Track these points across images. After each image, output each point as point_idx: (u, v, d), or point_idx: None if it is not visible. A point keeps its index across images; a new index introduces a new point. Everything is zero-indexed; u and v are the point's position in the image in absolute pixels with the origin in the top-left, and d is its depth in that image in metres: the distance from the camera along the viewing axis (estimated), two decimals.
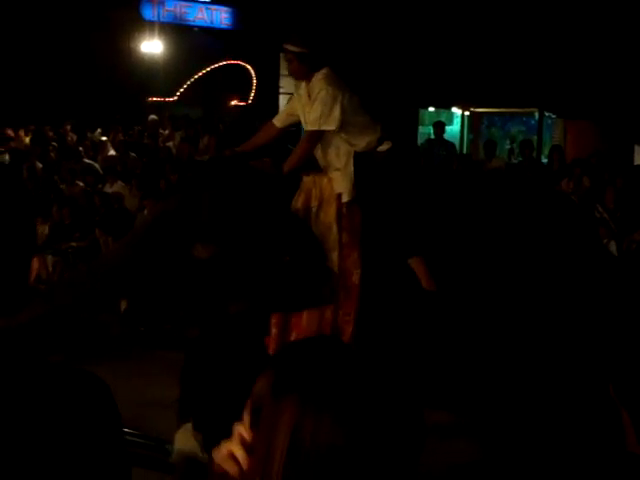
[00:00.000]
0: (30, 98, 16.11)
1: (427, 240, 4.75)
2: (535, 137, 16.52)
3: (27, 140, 14.14)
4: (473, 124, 18.28)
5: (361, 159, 4.87)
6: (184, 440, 2.78)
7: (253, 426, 1.28)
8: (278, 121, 5.21)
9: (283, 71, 15.73)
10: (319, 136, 4.85)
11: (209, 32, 19.20)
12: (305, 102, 4.96)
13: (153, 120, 15.50)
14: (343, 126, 4.82)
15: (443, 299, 4.57)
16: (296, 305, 4.63)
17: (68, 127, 15.07)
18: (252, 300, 4.43)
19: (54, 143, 14.00)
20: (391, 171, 5.00)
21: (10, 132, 14.38)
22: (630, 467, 1.35)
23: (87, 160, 13.02)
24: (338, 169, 4.82)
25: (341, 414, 1.23)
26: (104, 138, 14.11)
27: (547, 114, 16.81)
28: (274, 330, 4.69)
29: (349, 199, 4.78)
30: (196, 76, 18.25)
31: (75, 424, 1.42)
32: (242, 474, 1.28)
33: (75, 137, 14.76)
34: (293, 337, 4.66)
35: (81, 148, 13.76)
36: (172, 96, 18.22)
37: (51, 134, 14.65)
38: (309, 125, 4.87)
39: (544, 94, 15.61)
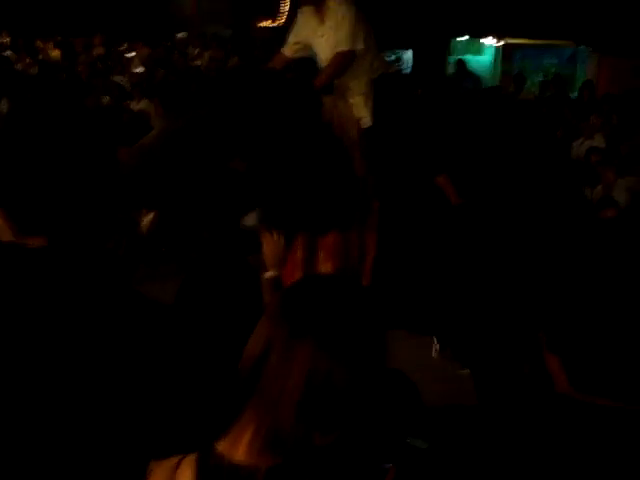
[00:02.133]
0: (59, 9, 16.01)
1: (450, 159, 4.80)
2: (568, 71, 16.27)
3: (55, 52, 14.09)
4: (505, 55, 17.99)
5: (380, 84, 4.86)
6: None
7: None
8: (287, 51, 5.14)
9: None
10: (351, 56, 4.81)
11: None
12: (315, 27, 4.89)
13: (182, 38, 15.38)
14: (366, 49, 4.80)
15: (468, 213, 4.65)
16: (322, 224, 4.65)
17: (97, 41, 14.99)
18: (283, 217, 4.41)
19: (82, 56, 13.95)
20: (407, 93, 5.00)
21: (39, 43, 14.35)
22: (561, 407, 1.38)
23: (116, 76, 12.96)
24: (359, 94, 4.80)
25: (353, 359, 1.31)
26: (133, 54, 14.02)
27: (582, 47, 16.49)
28: (299, 252, 4.71)
29: (370, 124, 4.77)
30: None
31: None
32: None
33: (103, 50, 14.68)
34: (321, 258, 4.69)
35: (110, 63, 13.69)
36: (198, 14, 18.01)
37: (80, 48, 14.59)
38: (340, 46, 4.78)
39: (579, 27, 15.28)
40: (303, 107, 4.53)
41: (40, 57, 13.85)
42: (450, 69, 16.82)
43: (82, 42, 14.87)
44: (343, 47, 4.77)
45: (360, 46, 4.76)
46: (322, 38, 4.86)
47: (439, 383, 5.27)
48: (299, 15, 5.10)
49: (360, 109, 4.78)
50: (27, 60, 13.31)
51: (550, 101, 11.67)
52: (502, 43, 17.71)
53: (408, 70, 19.06)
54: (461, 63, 13.53)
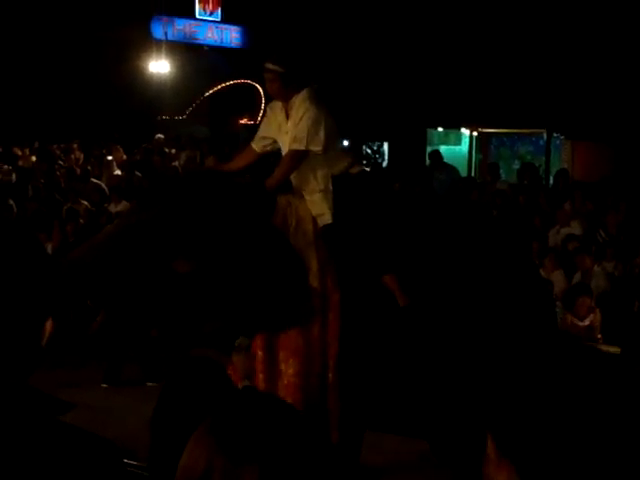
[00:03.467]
0: (37, 116, 16.22)
1: (398, 258, 4.77)
2: (543, 158, 16.49)
3: (33, 158, 14.20)
4: (482, 144, 18.26)
5: (338, 182, 4.84)
6: None
7: None
8: (256, 145, 5.15)
9: None
10: (304, 156, 4.78)
11: (219, 51, 19.29)
12: (282, 122, 4.90)
13: (159, 139, 15.56)
14: (325, 148, 4.79)
15: (415, 314, 4.62)
16: (279, 323, 4.57)
17: (75, 145, 15.13)
18: (230, 318, 4.35)
19: (60, 162, 14.06)
20: (365, 193, 4.98)
21: (17, 151, 14.46)
22: None
23: (94, 180, 13.05)
24: (317, 191, 4.77)
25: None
26: (110, 157, 14.14)
27: (555, 135, 16.77)
28: (259, 352, 4.62)
29: (330, 221, 4.74)
30: (205, 94, 18.32)
31: None
32: None
33: (82, 156, 14.81)
34: (281, 357, 4.59)
35: (89, 167, 13.80)
36: (182, 115, 18.29)
37: (58, 152, 14.72)
38: (295, 144, 4.77)
39: (552, 115, 15.58)
40: (248, 210, 4.49)
41: (20, 163, 13.96)
42: (428, 160, 17.05)
43: (60, 148, 15.01)
44: (297, 146, 4.76)
45: (316, 147, 4.74)
46: (286, 135, 4.86)
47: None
48: (268, 110, 5.10)
49: (318, 206, 4.74)
50: (4, 167, 13.39)
51: (526, 189, 11.77)
52: (477, 133, 18.00)
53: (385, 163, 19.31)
54: (435, 154, 13.66)
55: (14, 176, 13.25)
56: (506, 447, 1.30)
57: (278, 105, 4.97)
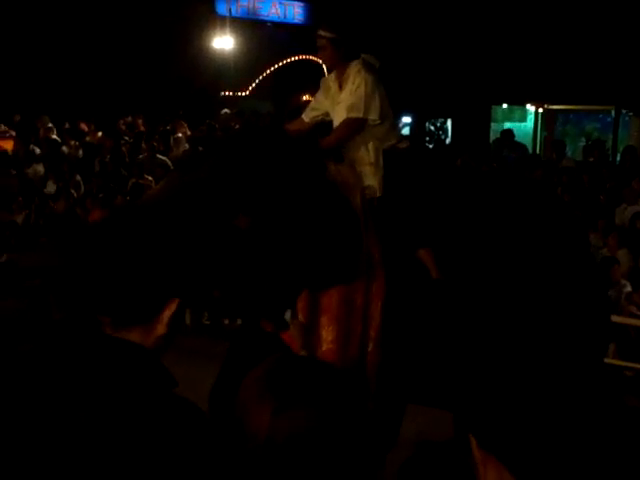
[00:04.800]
0: (104, 93, 16.44)
1: (435, 233, 4.73)
2: (611, 135, 16.16)
3: (100, 134, 14.39)
4: (547, 121, 17.95)
5: (388, 156, 4.81)
6: None
7: None
8: (306, 116, 5.13)
9: None
10: (361, 124, 4.75)
11: (282, 27, 19.29)
12: (335, 94, 4.87)
13: (225, 114, 15.63)
14: (381, 119, 4.76)
15: (448, 290, 4.58)
16: (325, 281, 4.55)
17: (140, 121, 15.29)
18: (284, 275, 4.32)
19: (126, 137, 14.23)
20: (412, 168, 4.94)
21: (84, 126, 14.68)
22: None
23: (160, 155, 13.17)
24: (368, 164, 4.74)
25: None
26: (180, 135, 14.24)
27: (624, 111, 16.41)
28: (301, 316, 4.59)
29: (379, 194, 4.71)
30: (268, 71, 18.35)
31: (180, 454, 1.54)
32: None
33: (146, 130, 14.95)
34: (322, 323, 4.58)
35: (154, 143, 13.93)
36: (244, 90, 18.36)
37: (123, 128, 14.89)
38: (353, 112, 4.72)
39: (621, 91, 15.24)
40: (305, 163, 4.46)
41: (86, 139, 14.17)
42: (492, 137, 16.82)
43: (125, 123, 15.19)
44: (355, 114, 4.72)
45: (373, 116, 4.71)
46: (339, 105, 4.83)
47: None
48: (322, 83, 5.09)
49: (368, 178, 4.71)
50: (72, 143, 13.61)
51: (592, 167, 11.56)
52: (542, 109, 17.70)
53: (449, 140, 19.13)
54: (507, 133, 13.35)
55: (81, 152, 13.48)
56: (492, 444, 1.26)
57: (331, 77, 4.95)
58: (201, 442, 1.56)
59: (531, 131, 17.88)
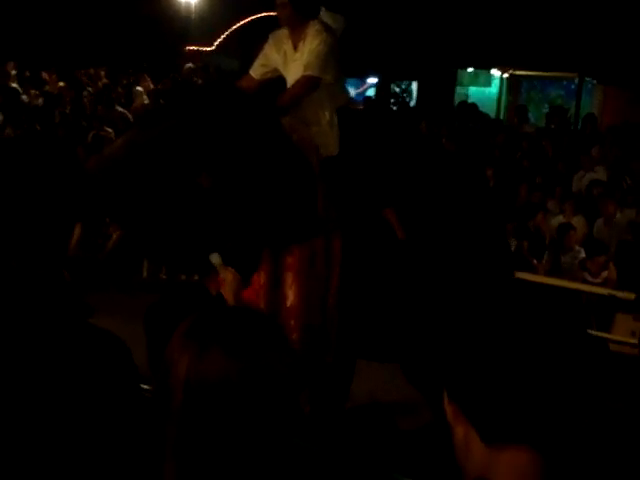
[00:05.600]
0: (65, 42, 16.15)
1: (396, 192, 4.80)
2: (574, 102, 16.26)
3: (60, 84, 14.17)
4: (512, 87, 18.01)
5: (344, 116, 4.82)
6: None
7: None
8: (254, 73, 5.07)
9: None
10: (316, 83, 4.73)
11: None
12: (287, 51, 4.84)
13: (189, 68, 15.46)
14: (336, 80, 4.76)
15: (407, 248, 4.69)
16: (284, 239, 4.58)
17: (102, 73, 15.08)
18: (245, 234, 4.35)
19: (89, 88, 14.04)
20: (367, 127, 4.98)
21: (45, 75, 14.44)
22: None
23: (120, 108, 13.03)
24: (323, 123, 4.75)
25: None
26: (139, 88, 14.08)
27: (587, 79, 16.50)
28: (263, 276, 4.65)
29: (335, 153, 4.72)
30: (234, 27, 18.15)
31: (96, 379, 1.60)
32: None
33: (108, 82, 14.77)
34: (287, 279, 4.59)
35: (114, 95, 13.77)
36: (209, 46, 18.16)
37: (85, 79, 14.68)
38: (309, 70, 4.69)
39: (585, 58, 15.30)
40: (264, 121, 4.46)
41: (46, 88, 13.96)
42: (457, 100, 16.85)
43: (87, 74, 14.97)
44: (311, 72, 4.71)
45: (329, 76, 4.70)
46: (294, 63, 4.80)
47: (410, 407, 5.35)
48: (270, 38, 5.02)
49: (324, 137, 4.72)
50: (32, 92, 13.41)
51: (552, 133, 11.64)
52: (507, 75, 17.74)
53: (413, 102, 19.12)
54: (472, 107, 13.47)
55: (41, 100, 13.28)
56: (458, 397, 1.28)
57: (284, 33, 4.88)
58: (116, 370, 1.60)
59: (496, 96, 17.93)
